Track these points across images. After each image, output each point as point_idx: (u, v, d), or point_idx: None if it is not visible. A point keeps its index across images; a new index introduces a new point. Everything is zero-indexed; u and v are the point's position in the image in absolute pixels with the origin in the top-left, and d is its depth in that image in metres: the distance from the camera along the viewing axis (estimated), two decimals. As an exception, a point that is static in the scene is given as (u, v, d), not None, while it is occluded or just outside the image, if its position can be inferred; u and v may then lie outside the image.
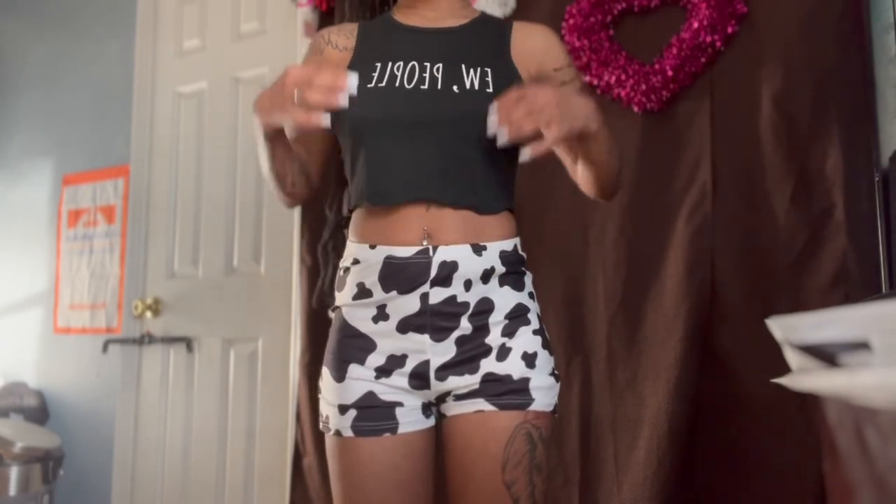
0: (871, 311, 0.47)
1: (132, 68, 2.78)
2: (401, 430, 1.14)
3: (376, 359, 1.14)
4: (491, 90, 1.13)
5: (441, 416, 1.19)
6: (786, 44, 1.60)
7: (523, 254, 1.19)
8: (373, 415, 1.13)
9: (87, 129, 2.93)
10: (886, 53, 1.58)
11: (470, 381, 1.13)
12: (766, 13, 1.64)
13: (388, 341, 1.14)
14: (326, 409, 1.18)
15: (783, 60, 1.60)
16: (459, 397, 1.14)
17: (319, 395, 1.20)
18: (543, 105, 0.99)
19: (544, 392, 1.15)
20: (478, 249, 1.11)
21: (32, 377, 2.93)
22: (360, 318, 1.15)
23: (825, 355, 0.48)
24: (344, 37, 1.25)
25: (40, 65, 3.14)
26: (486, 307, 1.13)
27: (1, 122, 3.22)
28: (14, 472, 2.31)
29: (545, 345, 1.17)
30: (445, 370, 1.13)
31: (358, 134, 1.15)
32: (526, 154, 1.02)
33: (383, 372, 1.14)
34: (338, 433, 1.15)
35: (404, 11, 1.25)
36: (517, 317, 1.15)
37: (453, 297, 1.11)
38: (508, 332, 1.14)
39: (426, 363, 1.13)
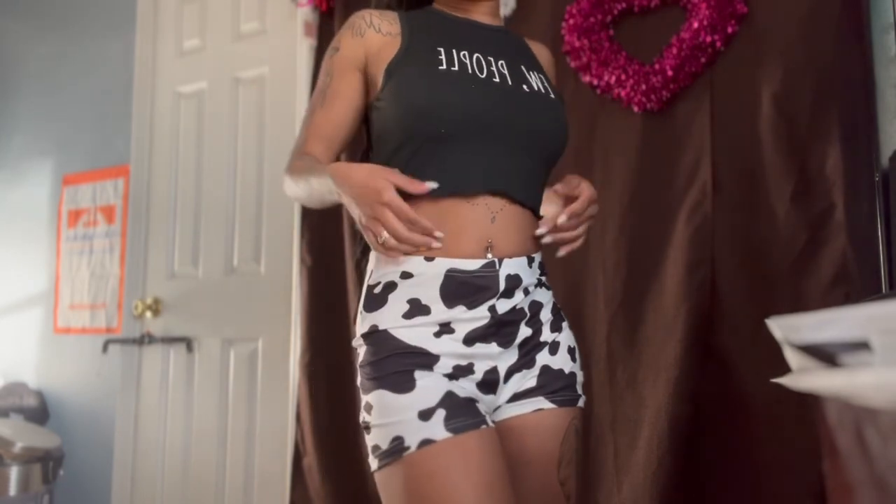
0: (871, 311, 0.47)
1: (132, 68, 2.78)
2: (488, 424, 1.05)
3: (442, 369, 1.06)
4: (553, 97, 1.17)
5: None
6: (786, 44, 1.60)
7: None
8: (464, 410, 1.03)
9: (87, 129, 2.93)
10: (886, 53, 1.58)
11: (529, 376, 1.13)
12: (766, 13, 1.64)
13: (452, 353, 1.07)
14: (395, 428, 1.02)
15: (783, 60, 1.60)
16: (517, 396, 1.12)
17: (369, 426, 1.05)
18: (593, 212, 1.16)
19: (582, 387, 1.20)
20: (530, 261, 1.14)
21: (32, 377, 2.93)
22: (416, 337, 1.07)
23: (825, 355, 0.48)
24: (387, 22, 1.18)
25: (40, 65, 3.14)
26: (537, 308, 1.15)
27: (1, 122, 3.22)
28: (14, 472, 2.31)
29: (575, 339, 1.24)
30: (511, 373, 1.12)
31: (425, 119, 1.07)
32: (562, 252, 1.17)
33: (450, 378, 1.07)
34: (426, 442, 0.99)
35: (444, 4, 1.22)
36: (556, 314, 1.19)
37: (515, 306, 1.10)
38: (555, 327, 1.17)
39: (494, 370, 1.10)
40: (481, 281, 1.07)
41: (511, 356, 1.11)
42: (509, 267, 1.09)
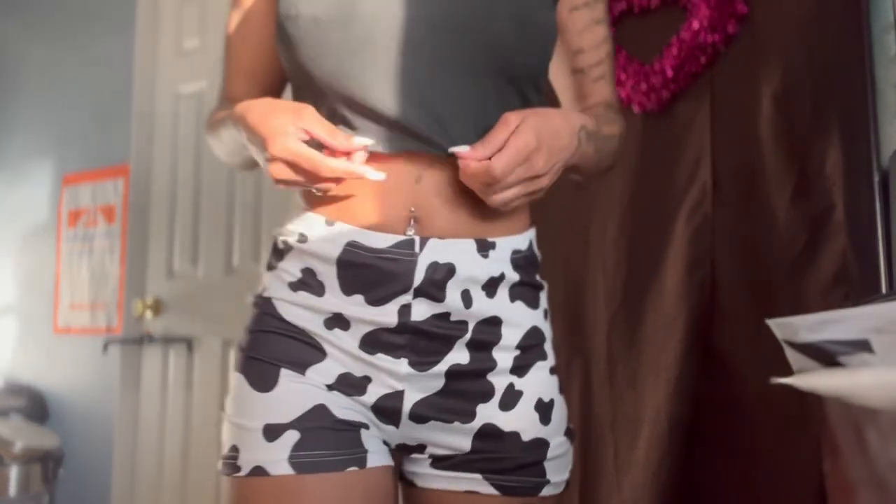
0: (871, 311, 0.47)
1: (132, 68, 2.77)
2: (370, 462, 0.79)
3: (322, 372, 0.80)
4: None
5: (405, 481, 0.87)
6: (786, 44, 1.60)
7: (539, 253, 0.90)
8: (329, 438, 0.77)
9: (87, 129, 2.93)
10: (886, 53, 1.58)
11: (461, 436, 0.80)
12: (766, 13, 1.63)
13: (343, 355, 0.80)
14: (236, 433, 0.79)
15: (783, 60, 1.60)
16: (442, 461, 0.82)
17: (224, 417, 0.84)
18: (539, 171, 0.75)
19: (559, 464, 0.86)
20: (484, 247, 0.80)
21: (32, 377, 2.93)
22: (300, 315, 0.82)
23: (825, 355, 0.48)
24: None
25: (40, 65, 3.14)
26: (490, 333, 0.81)
27: (1, 122, 3.22)
28: (14, 472, 2.31)
29: (561, 388, 0.89)
30: (427, 409, 0.80)
31: (310, 46, 0.79)
32: (497, 197, 0.77)
33: (334, 388, 0.80)
34: (259, 472, 0.76)
35: None
36: (532, 346, 0.85)
37: (446, 315, 0.79)
38: (519, 367, 0.83)
39: (398, 396, 0.79)
40: (388, 265, 0.77)
41: (428, 386, 0.80)
42: (437, 251, 0.77)
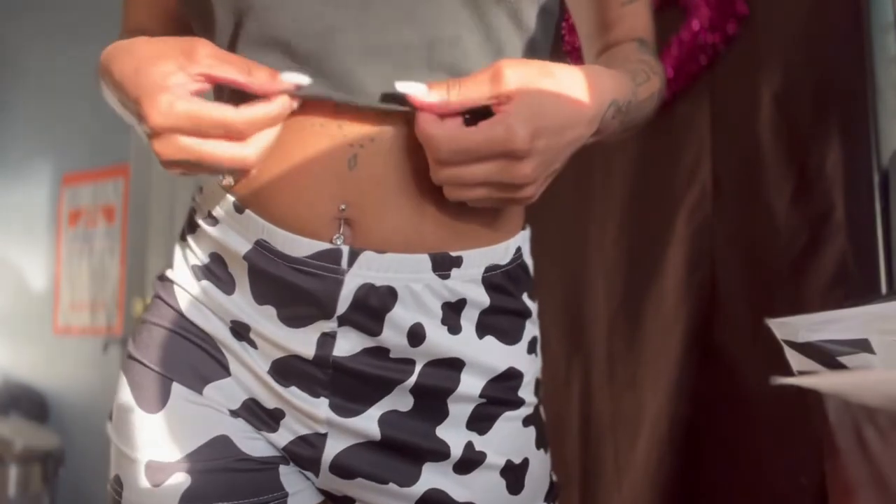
0: (871, 311, 0.47)
1: (132, 68, 2.77)
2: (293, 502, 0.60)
3: (224, 392, 0.60)
4: None
5: None
6: (786, 44, 1.60)
7: (529, 261, 0.69)
8: (231, 484, 0.58)
9: (87, 129, 2.93)
10: (886, 53, 1.58)
11: (398, 502, 0.60)
12: (766, 13, 1.63)
13: (251, 378, 0.61)
14: (119, 461, 0.65)
15: (783, 60, 1.60)
16: None
17: (108, 428, 0.69)
18: (519, 180, 0.53)
19: None
20: (444, 264, 0.58)
21: (32, 377, 2.93)
22: (205, 316, 0.62)
23: (825, 355, 0.48)
24: None
25: (40, 65, 3.14)
26: (445, 376, 0.60)
27: (1, 122, 3.22)
28: (14, 472, 2.31)
29: (541, 440, 0.66)
30: (354, 462, 0.60)
31: None
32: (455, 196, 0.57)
33: (239, 415, 0.61)
34: None
35: None
36: (501, 394, 0.62)
37: (384, 351, 0.58)
38: (480, 421, 0.61)
39: (319, 440, 0.60)
40: (306, 282, 0.56)
41: (357, 433, 0.59)
42: (372, 269, 0.56)
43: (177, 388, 0.61)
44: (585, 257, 1.78)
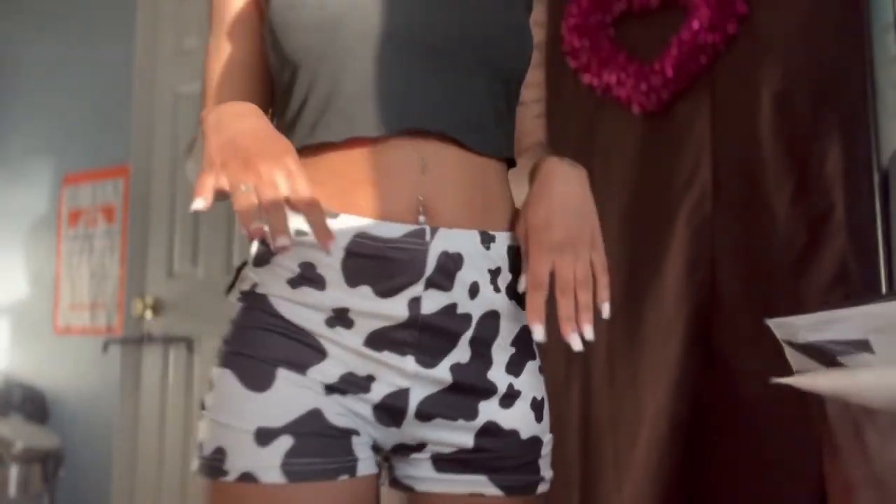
0: (871, 311, 0.47)
1: (132, 68, 2.77)
2: (360, 470, 0.77)
3: (323, 372, 0.77)
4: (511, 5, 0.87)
5: (402, 486, 0.84)
6: (786, 44, 1.60)
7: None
8: (322, 445, 0.75)
9: (87, 129, 2.93)
10: (886, 53, 1.58)
11: (464, 433, 0.80)
12: (766, 13, 1.63)
13: (346, 354, 0.77)
14: (222, 434, 0.76)
15: (783, 60, 1.60)
16: (444, 462, 0.80)
17: (204, 407, 0.82)
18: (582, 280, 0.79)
19: (548, 461, 0.87)
20: (487, 239, 0.80)
21: (32, 377, 2.93)
22: (300, 313, 0.78)
23: (825, 355, 0.48)
24: None
25: (40, 65, 3.14)
26: (491, 326, 0.81)
27: (1, 122, 3.22)
28: (14, 472, 2.31)
29: (544, 385, 0.90)
30: (432, 407, 0.79)
31: (321, 44, 0.78)
32: (575, 344, 0.79)
33: (334, 390, 0.77)
34: (248, 478, 0.74)
35: None
36: (524, 346, 0.85)
37: (453, 307, 0.78)
38: (515, 366, 0.84)
39: (404, 394, 0.78)
40: (400, 254, 0.75)
41: (434, 383, 0.79)
42: (447, 241, 0.77)
43: (281, 373, 0.76)
44: (585, 257, 1.78)
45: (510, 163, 0.87)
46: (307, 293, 0.77)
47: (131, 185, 2.74)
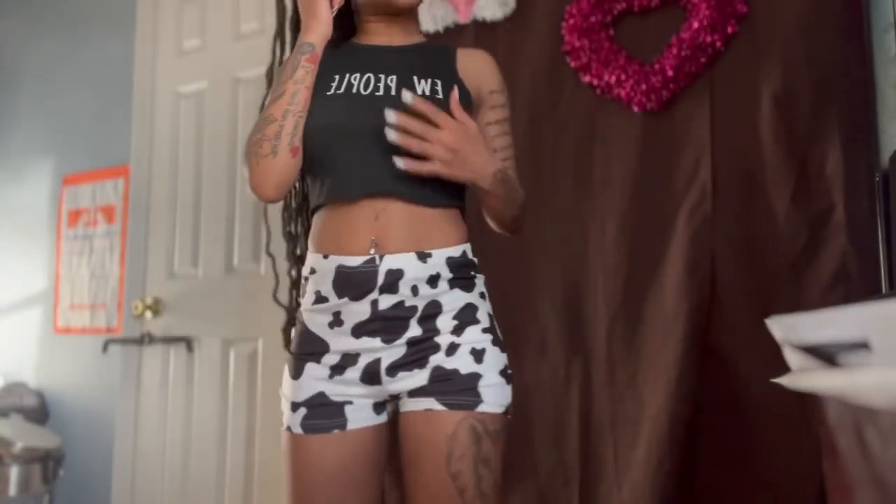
0: (871, 311, 0.47)
1: (132, 68, 2.78)
2: (350, 426, 1.21)
3: (331, 357, 1.21)
4: (441, 97, 1.22)
5: (397, 413, 1.25)
6: (786, 44, 1.60)
7: (474, 259, 1.25)
8: (322, 412, 1.21)
9: (87, 129, 2.93)
10: (886, 53, 1.58)
11: (419, 377, 1.18)
12: (766, 13, 1.64)
13: (342, 342, 1.20)
14: (284, 404, 1.26)
15: (783, 60, 1.60)
16: (412, 394, 1.20)
17: (280, 393, 1.27)
18: (443, 142, 1.14)
19: (494, 391, 1.18)
20: (423, 257, 1.18)
21: (32, 377, 2.93)
22: (317, 323, 1.22)
23: (825, 355, 0.48)
24: None
25: (40, 64, 3.14)
26: (434, 310, 1.19)
27: (1, 122, 3.22)
28: (14, 472, 2.31)
29: (496, 342, 1.22)
30: (396, 368, 1.19)
31: (314, 139, 1.21)
32: (399, 162, 1.13)
33: (337, 369, 1.21)
34: (289, 430, 1.22)
35: (363, 36, 1.33)
36: (466, 316, 1.21)
37: (401, 302, 1.18)
38: (457, 330, 1.19)
39: (377, 361, 1.19)
40: (362, 276, 1.17)
41: (396, 352, 1.19)
42: (391, 262, 1.17)
43: (308, 366, 1.22)
44: (585, 257, 1.78)
45: (458, 204, 1.25)
46: (319, 307, 1.22)
47: (131, 185, 2.74)
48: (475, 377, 1.18)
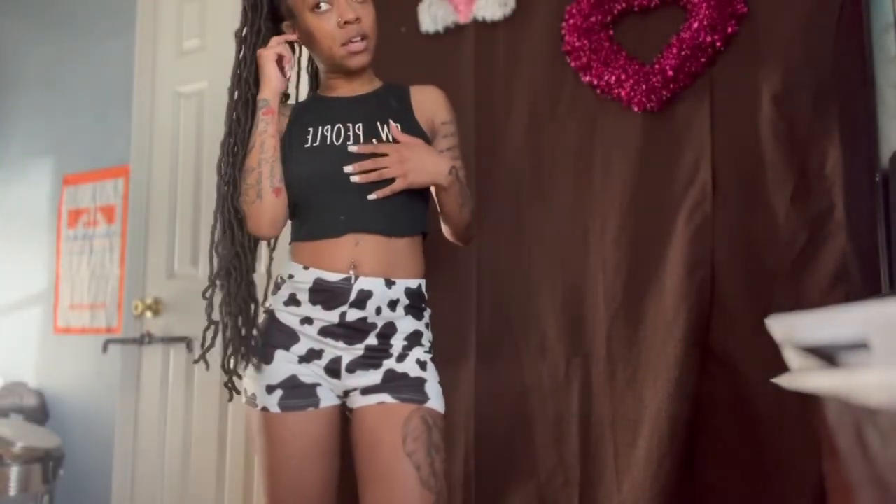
0: (871, 311, 0.47)
1: (132, 68, 2.77)
2: (322, 404, 1.41)
3: (299, 348, 1.41)
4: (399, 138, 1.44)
5: (348, 411, 1.43)
6: (786, 44, 1.60)
7: (425, 293, 1.49)
8: (297, 393, 1.40)
9: (87, 129, 2.93)
10: (886, 53, 1.58)
11: (374, 376, 1.40)
12: (766, 13, 1.63)
13: (309, 338, 1.41)
14: (252, 387, 1.43)
15: (783, 60, 1.60)
16: (365, 391, 1.40)
17: (243, 376, 1.45)
18: (393, 161, 1.37)
19: (436, 396, 1.41)
20: (389, 283, 1.40)
21: (32, 377, 2.93)
22: (288, 318, 1.43)
23: (825, 355, 0.48)
24: (284, 111, 1.52)
25: (40, 64, 3.14)
26: (390, 330, 1.41)
27: (1, 122, 3.22)
28: (14, 472, 2.30)
29: (434, 361, 1.46)
30: (354, 366, 1.40)
31: (299, 187, 1.42)
32: (372, 196, 1.38)
33: (303, 359, 1.41)
34: (265, 409, 1.40)
35: (329, 90, 1.53)
36: (414, 339, 1.44)
37: (364, 318, 1.39)
38: (406, 349, 1.43)
39: (339, 359, 1.41)
40: (338, 290, 1.38)
41: (355, 353, 1.41)
42: (363, 283, 1.38)
43: (278, 352, 1.42)
44: (585, 257, 1.78)
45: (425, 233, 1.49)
46: (291, 308, 1.43)
47: (131, 185, 2.74)
48: (422, 381, 1.40)
